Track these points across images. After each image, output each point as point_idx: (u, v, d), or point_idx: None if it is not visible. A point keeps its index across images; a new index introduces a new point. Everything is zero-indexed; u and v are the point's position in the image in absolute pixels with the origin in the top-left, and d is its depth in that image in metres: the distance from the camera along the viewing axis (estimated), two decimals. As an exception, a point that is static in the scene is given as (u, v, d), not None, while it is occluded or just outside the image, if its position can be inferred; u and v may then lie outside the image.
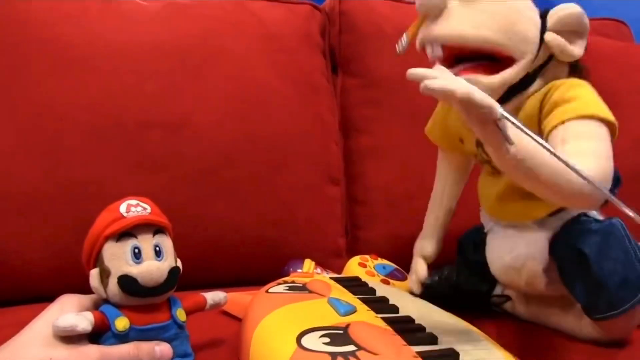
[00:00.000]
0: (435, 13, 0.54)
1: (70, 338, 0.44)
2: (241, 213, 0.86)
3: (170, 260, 0.49)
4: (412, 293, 0.68)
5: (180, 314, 0.50)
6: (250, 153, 0.87)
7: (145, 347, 0.46)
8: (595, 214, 0.62)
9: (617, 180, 0.59)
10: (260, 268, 0.84)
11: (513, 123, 0.41)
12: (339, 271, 0.81)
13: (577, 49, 0.57)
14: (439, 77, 0.42)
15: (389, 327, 0.46)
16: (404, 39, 0.57)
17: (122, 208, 0.48)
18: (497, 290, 0.72)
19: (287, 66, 0.95)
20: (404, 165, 0.98)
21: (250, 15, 0.94)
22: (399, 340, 0.43)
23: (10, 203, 0.75)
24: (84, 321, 0.44)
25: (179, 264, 0.51)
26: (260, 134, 0.89)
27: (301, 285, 0.59)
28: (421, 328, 0.47)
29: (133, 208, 0.48)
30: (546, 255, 0.61)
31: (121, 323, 0.46)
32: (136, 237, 0.47)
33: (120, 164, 0.79)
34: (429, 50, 0.57)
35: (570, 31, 0.57)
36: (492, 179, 0.66)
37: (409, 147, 0.96)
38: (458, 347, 0.43)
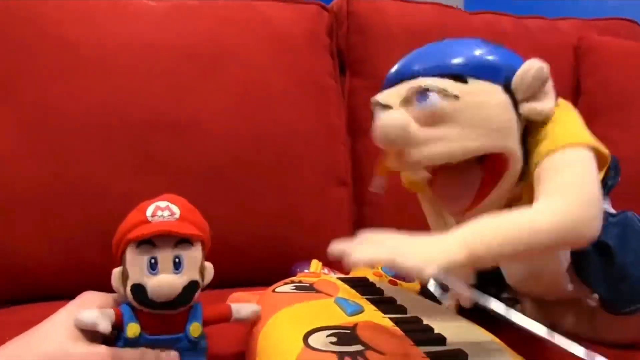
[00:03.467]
0: (403, 143, 0.52)
1: (87, 334, 0.44)
2: (248, 213, 0.85)
3: (190, 273, 0.46)
4: (430, 298, 0.67)
5: (194, 330, 0.47)
6: (257, 153, 0.87)
7: (149, 355, 0.46)
8: (608, 207, 0.61)
9: (615, 170, 0.60)
10: (267, 269, 0.83)
11: (440, 286, 0.41)
12: (347, 272, 0.80)
13: (547, 104, 0.53)
14: (360, 247, 0.42)
15: (396, 328, 0.45)
16: (378, 180, 0.56)
17: (149, 211, 0.46)
18: (506, 294, 0.72)
19: (295, 67, 0.95)
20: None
21: (257, 15, 0.94)
22: (406, 340, 0.43)
23: (16, 202, 0.76)
24: (105, 321, 0.44)
25: (208, 271, 0.48)
26: (268, 134, 0.89)
27: (308, 285, 0.58)
28: (429, 328, 0.46)
29: (160, 212, 0.46)
30: (568, 254, 0.59)
31: (132, 330, 0.45)
32: (156, 247, 0.45)
33: (127, 163, 0.80)
34: (410, 175, 0.57)
35: (535, 91, 0.53)
36: None
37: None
38: (466, 348, 0.42)
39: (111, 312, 0.45)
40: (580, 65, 1.16)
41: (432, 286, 0.41)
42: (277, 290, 0.57)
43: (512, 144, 0.53)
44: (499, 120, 0.52)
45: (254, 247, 0.86)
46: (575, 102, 0.76)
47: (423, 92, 0.51)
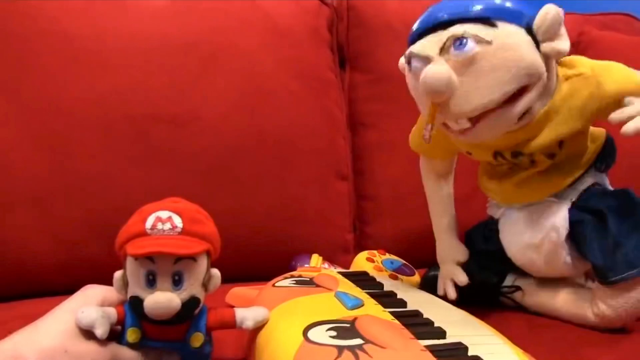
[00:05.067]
0: (448, 94, 0.54)
1: (88, 331, 0.43)
2: (248, 208, 0.86)
3: (191, 289, 0.43)
4: (443, 297, 0.68)
5: (195, 340, 0.45)
6: (257, 148, 0.87)
7: (150, 358, 0.46)
8: (607, 184, 0.66)
9: (612, 153, 0.65)
10: (267, 263, 0.83)
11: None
12: (347, 266, 0.81)
13: (565, 44, 0.56)
14: None
15: (396, 321, 0.45)
16: (429, 128, 0.57)
17: (149, 222, 0.43)
18: (507, 282, 0.72)
19: (295, 61, 0.95)
20: (412, 160, 0.96)
21: (258, 10, 0.94)
22: (406, 333, 0.43)
23: (17, 196, 0.75)
24: (104, 326, 0.42)
25: (214, 281, 0.46)
26: (268, 128, 0.89)
27: (308, 279, 0.58)
28: (429, 322, 0.46)
29: (160, 224, 0.43)
30: (567, 223, 0.62)
31: (132, 336, 0.44)
32: (155, 262, 0.42)
33: (128, 157, 0.80)
34: (453, 125, 0.58)
35: (554, 33, 0.56)
36: (507, 171, 0.66)
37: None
38: (466, 341, 0.42)
39: (113, 312, 0.44)
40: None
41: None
42: (277, 284, 0.57)
43: (538, 78, 0.56)
44: (528, 58, 0.54)
45: (254, 241, 0.86)
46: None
47: (459, 39, 0.53)
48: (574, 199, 0.63)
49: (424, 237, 0.75)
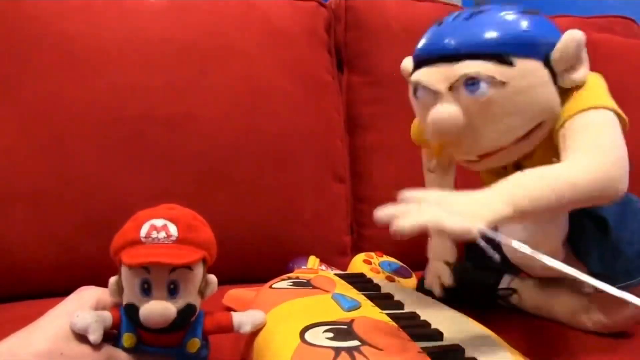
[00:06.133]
0: (456, 136, 0.52)
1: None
2: (245, 209, 0.85)
3: (187, 297, 0.43)
4: (428, 294, 0.68)
5: (192, 345, 0.45)
6: (254, 149, 0.87)
7: None
8: None
9: None
10: (264, 265, 0.83)
11: (491, 241, 0.41)
12: (344, 269, 0.81)
13: (584, 71, 0.54)
14: (407, 214, 0.41)
15: (393, 323, 0.45)
16: (433, 162, 0.57)
17: (143, 230, 0.42)
18: (504, 284, 0.72)
19: (293, 63, 0.95)
20: (410, 162, 0.97)
21: (255, 11, 0.94)
22: (403, 335, 0.43)
23: (14, 198, 0.75)
24: (97, 331, 0.42)
25: (211, 287, 0.46)
26: (265, 130, 0.89)
27: (305, 281, 0.58)
28: (426, 324, 0.46)
29: (155, 233, 0.42)
30: (567, 224, 0.59)
31: (128, 341, 0.44)
32: (150, 271, 0.41)
33: (125, 158, 0.79)
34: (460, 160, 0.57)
35: (575, 63, 0.54)
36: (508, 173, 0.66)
37: (415, 144, 0.96)
38: (463, 343, 0.42)
39: (108, 317, 0.44)
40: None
41: (482, 243, 0.41)
42: (274, 286, 0.57)
43: (553, 114, 0.54)
44: (543, 99, 0.53)
45: (251, 242, 0.86)
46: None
47: (472, 80, 0.51)
48: None
49: (421, 239, 0.75)
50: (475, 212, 0.42)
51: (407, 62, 0.60)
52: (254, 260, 0.86)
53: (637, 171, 0.65)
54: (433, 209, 0.41)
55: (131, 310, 0.42)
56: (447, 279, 0.67)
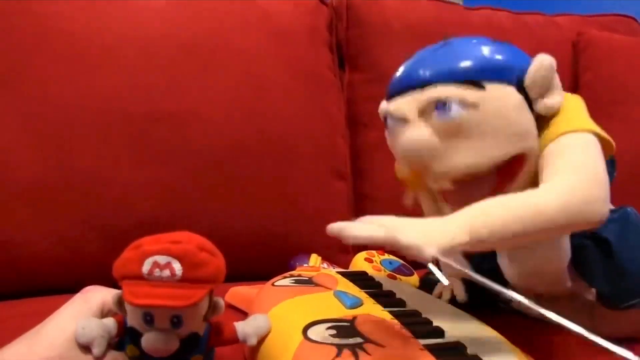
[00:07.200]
0: (429, 160, 0.51)
1: None
2: (247, 207, 0.86)
3: (191, 327, 0.41)
4: (429, 291, 0.67)
5: None
6: (256, 147, 0.87)
7: None
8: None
9: (612, 165, 0.58)
10: (266, 263, 0.84)
11: (438, 270, 0.41)
12: (346, 267, 0.81)
13: (558, 97, 0.53)
14: (359, 226, 0.40)
15: (395, 320, 0.45)
16: (410, 196, 0.55)
17: (146, 267, 0.39)
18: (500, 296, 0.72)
19: (294, 61, 0.95)
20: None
21: (257, 9, 0.94)
22: (406, 333, 0.43)
23: (16, 194, 0.75)
24: (101, 346, 0.41)
25: (217, 310, 0.43)
26: (267, 128, 0.89)
27: (307, 278, 0.59)
28: (428, 321, 0.46)
29: (158, 271, 0.39)
30: (568, 248, 0.57)
31: (131, 351, 0.42)
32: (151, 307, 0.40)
33: (127, 156, 0.79)
34: (434, 186, 0.54)
35: (548, 86, 0.52)
36: None
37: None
38: (465, 341, 0.42)
39: (113, 326, 0.43)
40: (579, 61, 1.16)
41: (432, 267, 0.41)
42: (276, 283, 0.57)
43: (532, 142, 0.52)
44: (519, 123, 0.51)
45: (252, 240, 0.86)
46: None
47: (442, 103, 0.49)
48: None
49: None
50: (430, 237, 0.41)
51: (383, 103, 0.58)
52: (255, 258, 0.86)
53: (637, 172, 0.65)
54: (389, 226, 0.41)
55: (135, 335, 0.41)
56: (462, 295, 0.66)
